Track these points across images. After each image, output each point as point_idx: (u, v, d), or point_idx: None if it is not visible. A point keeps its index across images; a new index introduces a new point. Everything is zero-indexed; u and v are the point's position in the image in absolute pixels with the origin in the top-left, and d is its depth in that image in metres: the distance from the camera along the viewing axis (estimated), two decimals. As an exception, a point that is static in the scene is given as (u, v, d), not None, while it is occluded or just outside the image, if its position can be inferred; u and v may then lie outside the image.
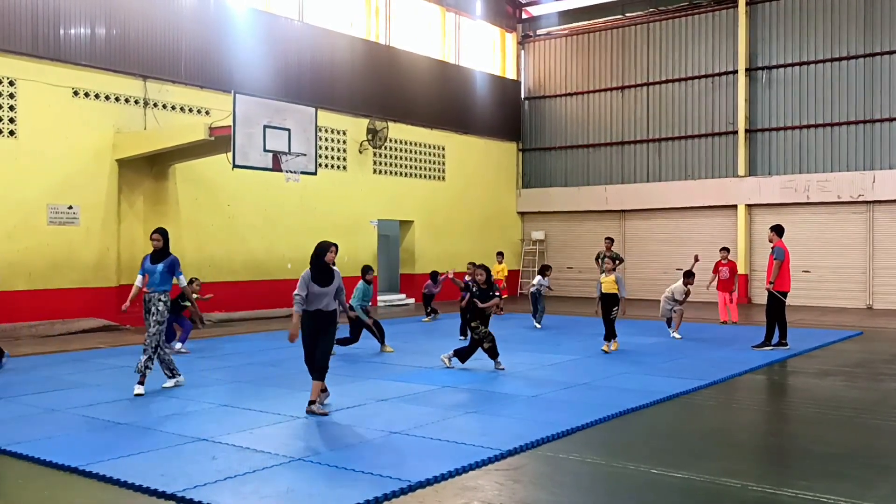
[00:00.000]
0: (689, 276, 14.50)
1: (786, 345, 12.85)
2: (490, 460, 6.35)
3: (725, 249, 17.19)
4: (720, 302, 17.36)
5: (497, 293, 10.84)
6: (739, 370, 10.85)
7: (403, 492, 5.57)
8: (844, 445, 7.00)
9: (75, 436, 7.26)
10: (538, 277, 16.72)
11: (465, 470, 6.08)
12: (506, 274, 19.89)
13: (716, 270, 16.99)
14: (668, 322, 14.91)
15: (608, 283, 12.58)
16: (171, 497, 5.48)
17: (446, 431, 7.29)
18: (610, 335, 12.60)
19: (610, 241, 18.61)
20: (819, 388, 9.86)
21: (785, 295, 12.89)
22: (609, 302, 12.55)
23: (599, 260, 18.34)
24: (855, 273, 21.68)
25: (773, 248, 12.93)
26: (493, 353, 10.68)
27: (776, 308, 12.86)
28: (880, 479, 6.01)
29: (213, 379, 10.25)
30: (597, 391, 9.33)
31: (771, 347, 12.80)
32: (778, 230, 13.07)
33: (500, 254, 20.42)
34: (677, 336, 14.41)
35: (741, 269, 22.83)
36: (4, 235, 14.84)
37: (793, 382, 10.59)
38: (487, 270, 10.96)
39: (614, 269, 12.83)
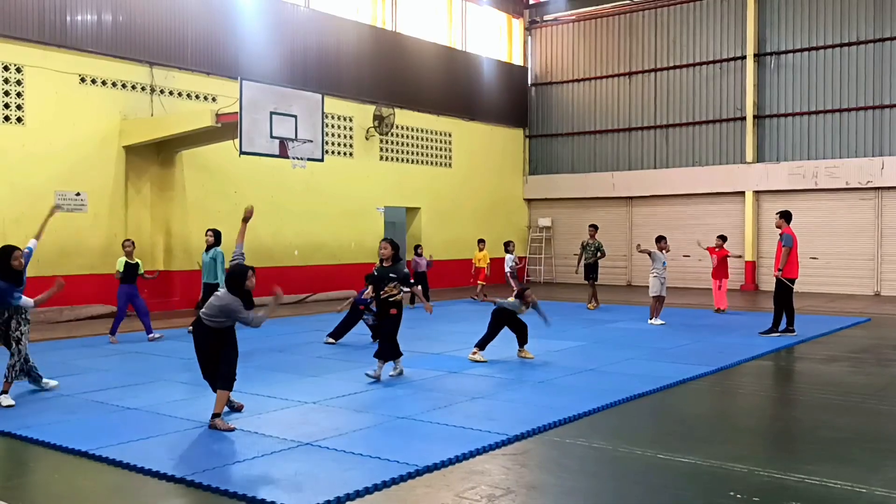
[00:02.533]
0: (660, 239, 14.83)
1: (793, 331, 12.83)
2: (497, 445, 6.37)
3: (721, 237, 16.91)
4: (714, 288, 17.00)
5: (399, 278, 9.12)
6: (746, 356, 10.84)
7: (411, 476, 5.60)
8: (851, 430, 7.01)
9: (85, 420, 7.31)
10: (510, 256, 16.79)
11: (472, 454, 6.11)
12: (487, 262, 19.54)
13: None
14: (661, 304, 14.54)
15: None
16: (181, 481, 5.52)
17: (453, 416, 7.31)
18: (485, 342, 10.57)
19: (594, 228, 18.25)
20: (826, 373, 9.86)
21: (793, 282, 12.86)
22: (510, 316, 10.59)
23: (583, 248, 17.84)
24: (863, 259, 21.60)
25: (781, 234, 12.91)
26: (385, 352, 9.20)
27: (784, 294, 12.84)
28: (887, 464, 6.01)
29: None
30: (603, 377, 9.34)
31: (778, 334, 12.79)
32: (786, 216, 13.04)
33: (482, 241, 19.97)
34: (659, 322, 14.25)
35: (748, 256, 22.81)
36: (12, 222, 14.89)
37: (800, 368, 10.59)
38: (394, 246, 9.35)
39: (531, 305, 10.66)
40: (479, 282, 19.50)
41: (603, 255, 17.99)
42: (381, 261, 9.33)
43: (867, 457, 6.19)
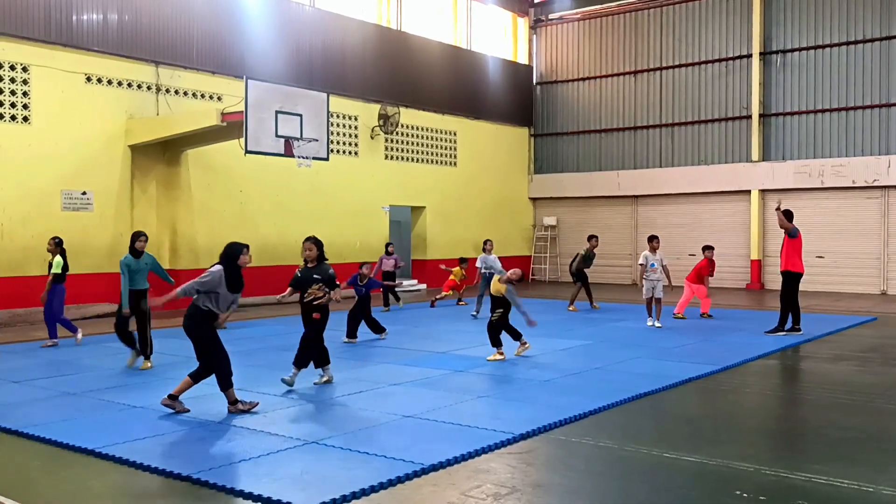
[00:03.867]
0: (652, 239, 14.30)
1: (799, 330, 12.80)
2: (503, 444, 6.37)
3: (710, 249, 15.75)
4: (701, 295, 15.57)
5: (323, 280, 8.59)
6: (752, 355, 10.82)
7: (417, 474, 5.59)
8: (858, 429, 6.98)
9: (91, 419, 7.32)
10: (490, 256, 15.73)
11: (477, 453, 6.11)
12: (458, 279, 18.11)
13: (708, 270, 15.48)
14: (650, 305, 13.88)
15: (497, 285, 10.45)
16: (186, 479, 5.53)
17: (459, 415, 7.31)
18: (516, 336, 10.62)
19: (595, 239, 17.64)
20: (832, 372, 9.83)
21: (799, 276, 12.81)
22: (498, 303, 10.47)
23: (584, 259, 17.23)
24: (869, 258, 21.53)
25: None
26: (314, 361, 8.71)
27: (790, 293, 12.81)
28: (894, 463, 5.99)
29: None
30: (609, 376, 9.33)
31: (784, 332, 12.76)
32: (788, 215, 12.99)
33: (463, 260, 18.50)
34: (650, 324, 13.79)
35: (754, 255, 22.79)
36: (19, 221, 14.94)
37: (806, 367, 10.56)
38: (319, 245, 8.79)
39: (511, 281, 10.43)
40: (448, 290, 18.20)
41: (589, 264, 17.49)
42: (306, 262, 8.79)
43: (874, 456, 6.17)
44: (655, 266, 13.98)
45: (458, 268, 18.32)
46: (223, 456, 6.07)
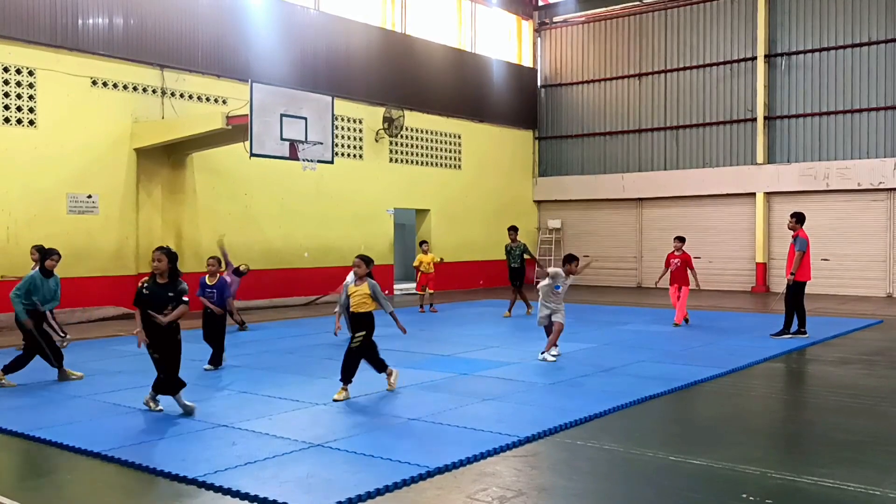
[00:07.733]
0: (571, 259, 10.85)
1: (804, 333, 12.78)
2: (508, 447, 6.37)
3: (679, 239, 14.83)
4: (672, 298, 14.80)
5: (173, 297, 7.35)
6: (757, 358, 10.80)
7: (422, 477, 5.60)
8: (864, 433, 6.97)
9: (97, 421, 7.33)
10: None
11: (483, 456, 6.10)
12: (431, 268, 17.23)
13: (667, 264, 14.70)
14: (548, 330, 10.75)
15: (360, 297, 8.23)
16: (192, 482, 5.54)
17: (464, 418, 7.31)
18: (380, 367, 8.53)
19: (514, 230, 17.07)
20: (838, 376, 9.81)
21: (805, 284, 12.80)
22: (360, 323, 8.30)
23: (508, 253, 16.69)
24: (875, 261, 21.48)
25: (794, 237, 12.84)
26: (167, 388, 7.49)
27: (795, 297, 12.79)
28: (901, 467, 5.98)
29: (231, 366, 10.32)
30: (614, 379, 9.32)
31: (790, 336, 12.74)
32: (800, 218, 12.94)
33: (424, 242, 17.74)
34: (551, 358, 10.45)
35: (759, 258, 22.73)
36: (25, 224, 14.98)
37: (811, 370, 10.54)
38: (169, 256, 7.44)
39: (369, 275, 8.35)
40: (422, 288, 17.14)
41: (532, 258, 16.91)
42: (154, 276, 7.46)
43: (881, 459, 6.15)
44: (561, 290, 10.76)
45: (425, 255, 16.89)
46: (229, 459, 6.08)
